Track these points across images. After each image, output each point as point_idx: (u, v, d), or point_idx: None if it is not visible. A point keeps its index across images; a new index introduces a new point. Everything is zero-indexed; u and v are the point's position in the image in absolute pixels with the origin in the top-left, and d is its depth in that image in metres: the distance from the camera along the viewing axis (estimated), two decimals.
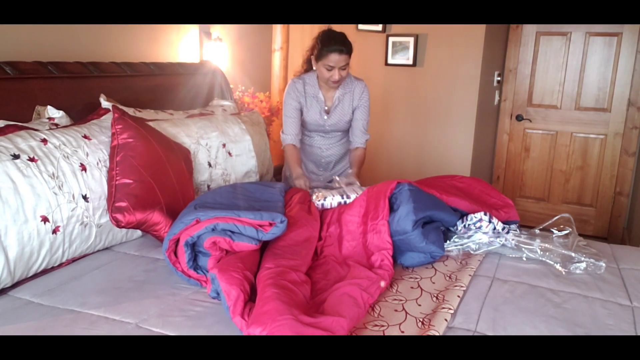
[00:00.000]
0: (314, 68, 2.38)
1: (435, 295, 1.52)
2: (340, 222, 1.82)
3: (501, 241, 1.83)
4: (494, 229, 1.84)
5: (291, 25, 3.82)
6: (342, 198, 2.01)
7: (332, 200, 2.01)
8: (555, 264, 1.72)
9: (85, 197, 1.70)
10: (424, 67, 3.65)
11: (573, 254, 1.74)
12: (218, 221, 1.52)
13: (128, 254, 1.81)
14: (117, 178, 1.77)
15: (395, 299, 1.49)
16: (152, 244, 1.89)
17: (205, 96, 2.84)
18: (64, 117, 1.91)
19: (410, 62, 3.63)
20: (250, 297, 1.37)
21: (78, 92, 2.11)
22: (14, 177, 1.52)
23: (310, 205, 1.97)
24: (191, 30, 2.96)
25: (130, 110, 2.13)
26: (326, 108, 2.47)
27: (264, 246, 1.63)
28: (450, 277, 1.64)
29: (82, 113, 2.04)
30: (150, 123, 2.07)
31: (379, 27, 3.66)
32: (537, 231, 1.94)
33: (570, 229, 1.90)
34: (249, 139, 2.49)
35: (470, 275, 1.64)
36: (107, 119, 1.96)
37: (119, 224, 1.74)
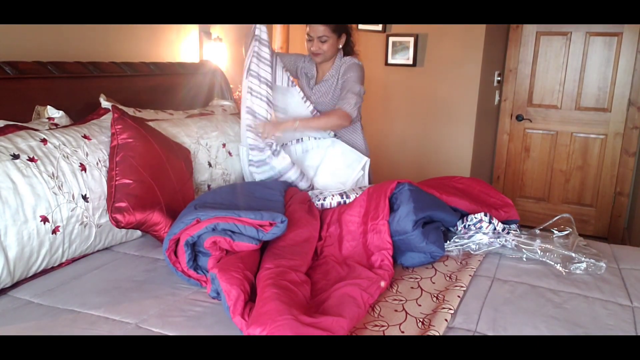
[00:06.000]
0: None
1: (436, 295, 1.52)
2: (341, 222, 1.82)
3: (501, 242, 1.83)
4: (494, 229, 1.84)
5: (291, 25, 3.82)
6: (342, 198, 2.01)
7: (331, 200, 2.01)
8: (555, 264, 1.72)
9: (85, 197, 1.70)
10: (424, 67, 3.65)
11: (573, 254, 1.74)
12: (218, 221, 1.52)
13: (128, 254, 1.81)
14: (117, 178, 1.77)
15: (395, 299, 1.49)
16: (152, 244, 1.89)
17: (205, 96, 2.84)
18: (63, 117, 1.91)
19: (410, 62, 3.63)
20: (251, 297, 1.37)
21: (78, 92, 2.11)
22: (14, 177, 1.52)
23: (310, 205, 1.97)
24: (191, 31, 2.96)
25: (130, 110, 2.13)
26: (314, 82, 2.46)
27: (264, 246, 1.63)
28: (450, 277, 1.63)
29: (81, 113, 2.04)
30: (150, 123, 2.07)
31: (379, 27, 3.66)
32: (537, 231, 1.94)
33: (571, 229, 1.90)
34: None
35: (470, 275, 1.63)
36: (107, 119, 1.96)
37: (118, 225, 1.74)
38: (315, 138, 2.43)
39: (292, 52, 3.75)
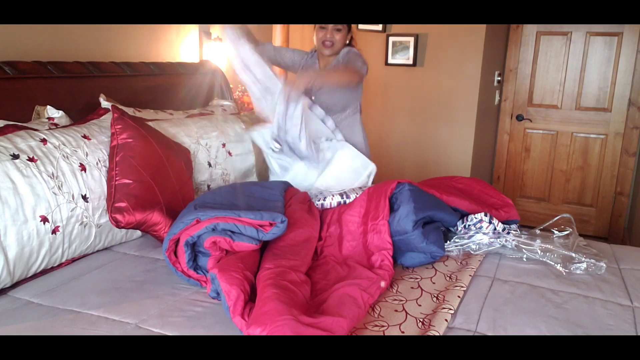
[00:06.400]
0: (314, 39, 2.39)
1: (436, 295, 1.52)
2: (341, 222, 1.82)
3: (501, 242, 1.83)
4: (494, 229, 1.84)
5: (291, 25, 3.81)
6: (342, 198, 2.01)
7: (331, 200, 2.01)
8: (555, 265, 1.71)
9: (84, 197, 1.70)
10: (424, 67, 3.65)
11: (573, 255, 1.74)
12: (218, 221, 1.52)
13: (128, 254, 1.81)
14: (117, 178, 1.77)
15: (395, 299, 1.49)
16: (151, 244, 1.89)
17: (205, 96, 2.84)
18: (63, 117, 1.91)
19: (410, 62, 3.63)
20: (251, 297, 1.37)
21: (78, 92, 2.11)
22: (14, 177, 1.52)
23: (310, 205, 1.97)
24: (191, 31, 2.96)
25: (129, 110, 2.13)
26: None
27: (264, 246, 1.63)
28: (450, 277, 1.63)
29: (81, 113, 2.04)
30: (150, 123, 2.06)
31: (379, 27, 3.66)
32: (537, 231, 1.94)
33: (571, 229, 1.90)
34: (249, 138, 2.49)
35: (470, 275, 1.63)
36: (107, 119, 1.96)
37: (118, 225, 1.74)
38: (327, 140, 2.40)
39: None
